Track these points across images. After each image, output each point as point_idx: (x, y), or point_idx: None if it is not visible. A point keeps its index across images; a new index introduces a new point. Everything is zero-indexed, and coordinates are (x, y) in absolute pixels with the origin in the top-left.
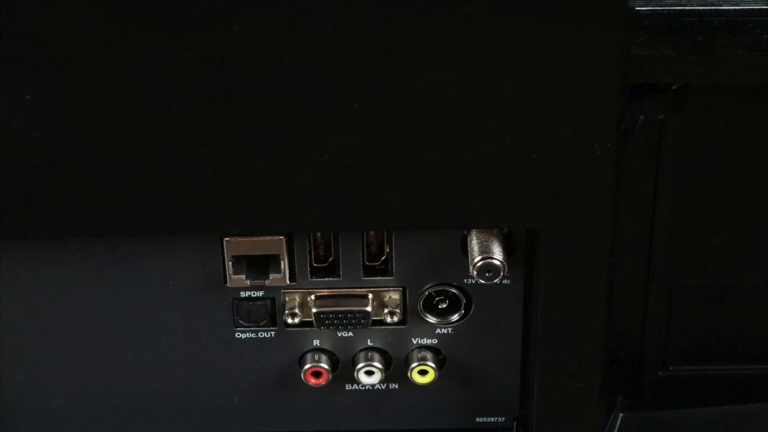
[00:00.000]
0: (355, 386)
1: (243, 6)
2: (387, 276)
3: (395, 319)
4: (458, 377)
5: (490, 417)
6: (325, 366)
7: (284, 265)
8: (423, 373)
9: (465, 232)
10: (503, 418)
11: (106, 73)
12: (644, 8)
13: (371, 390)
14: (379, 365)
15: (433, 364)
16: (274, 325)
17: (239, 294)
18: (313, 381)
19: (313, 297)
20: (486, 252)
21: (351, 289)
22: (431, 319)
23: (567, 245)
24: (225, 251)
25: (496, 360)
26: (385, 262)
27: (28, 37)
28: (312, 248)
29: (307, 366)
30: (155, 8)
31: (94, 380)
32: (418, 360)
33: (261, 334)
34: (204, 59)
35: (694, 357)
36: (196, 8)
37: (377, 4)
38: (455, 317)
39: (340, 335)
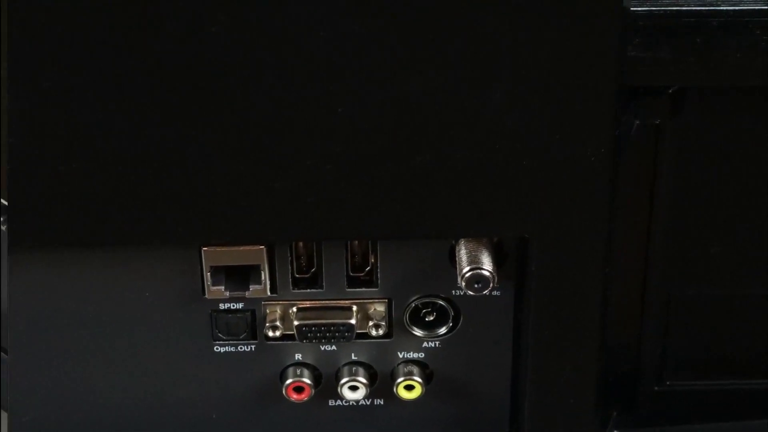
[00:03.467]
0: (339, 402)
1: (221, 8)
2: (372, 287)
3: (380, 332)
4: (446, 392)
5: None
6: (308, 381)
7: (265, 276)
8: (409, 388)
9: (453, 242)
10: None
11: (81, 78)
12: (640, 8)
13: (355, 406)
14: (364, 380)
15: (419, 379)
16: (255, 338)
17: (218, 306)
18: (295, 396)
19: (294, 309)
20: (475, 262)
21: (334, 301)
22: (418, 332)
23: (560, 255)
24: (203, 261)
25: (486, 374)
26: (370, 272)
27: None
28: (294, 258)
29: (289, 381)
30: (129, 11)
31: (67, 395)
32: (405, 375)
33: (241, 348)
34: (182, 63)
35: (692, 371)
36: (171, 9)
37: (362, 6)
38: (443, 330)
39: (323, 349)
